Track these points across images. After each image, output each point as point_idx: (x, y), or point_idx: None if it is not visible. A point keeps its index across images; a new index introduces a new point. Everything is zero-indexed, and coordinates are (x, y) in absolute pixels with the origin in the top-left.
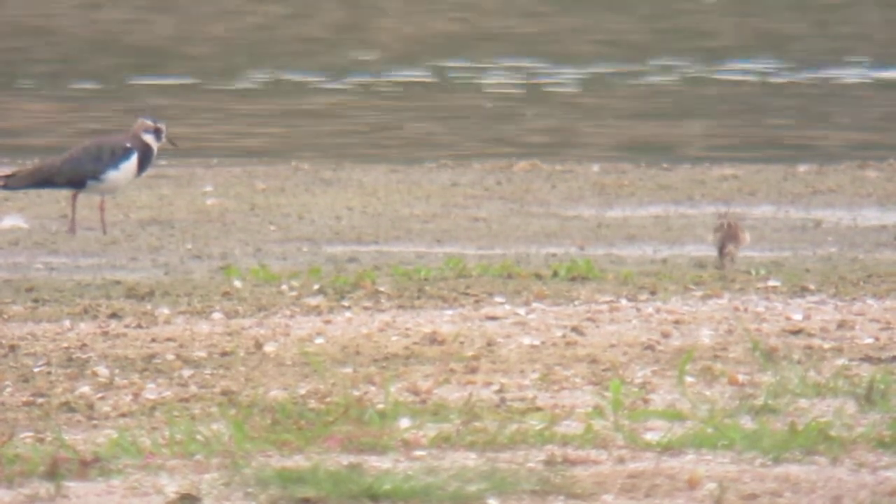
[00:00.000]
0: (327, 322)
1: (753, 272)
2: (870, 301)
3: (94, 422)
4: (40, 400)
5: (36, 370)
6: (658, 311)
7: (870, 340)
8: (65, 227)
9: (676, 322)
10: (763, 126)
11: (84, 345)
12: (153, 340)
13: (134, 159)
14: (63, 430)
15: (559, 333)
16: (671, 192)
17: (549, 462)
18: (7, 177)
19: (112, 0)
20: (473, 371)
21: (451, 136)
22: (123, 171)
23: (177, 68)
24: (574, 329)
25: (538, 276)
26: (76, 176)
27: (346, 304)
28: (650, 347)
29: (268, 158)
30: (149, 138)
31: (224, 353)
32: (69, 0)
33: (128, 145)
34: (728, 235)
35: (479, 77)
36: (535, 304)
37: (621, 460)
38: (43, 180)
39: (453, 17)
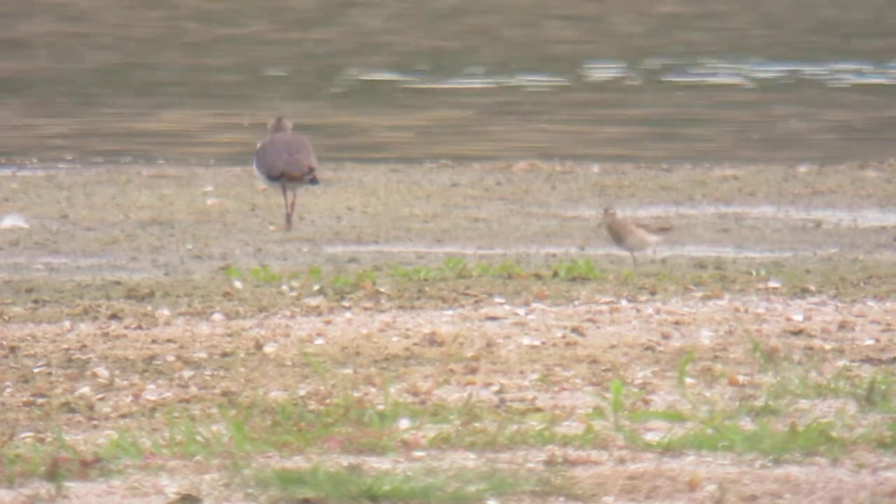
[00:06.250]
0: (327, 323)
1: (754, 273)
2: (870, 302)
3: (95, 422)
4: (41, 400)
5: (36, 371)
6: (658, 311)
7: (870, 342)
8: (66, 228)
9: (676, 323)
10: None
11: (84, 346)
12: (153, 341)
13: None
14: (63, 430)
15: (559, 334)
16: (671, 192)
17: (550, 463)
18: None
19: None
20: (473, 372)
21: (452, 136)
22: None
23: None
24: (574, 330)
25: (538, 277)
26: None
27: (346, 304)
28: (650, 348)
29: None
30: None
31: (224, 354)
32: None
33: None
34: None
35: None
36: (534, 305)
37: (622, 461)
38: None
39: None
